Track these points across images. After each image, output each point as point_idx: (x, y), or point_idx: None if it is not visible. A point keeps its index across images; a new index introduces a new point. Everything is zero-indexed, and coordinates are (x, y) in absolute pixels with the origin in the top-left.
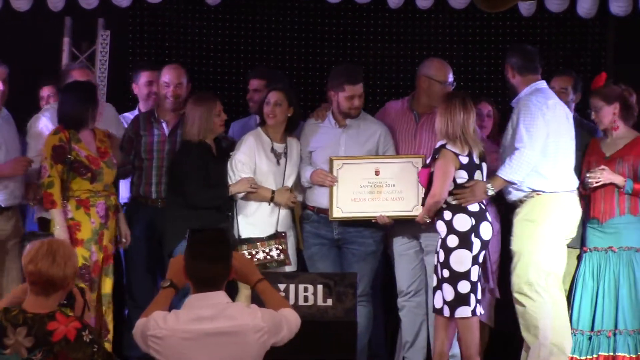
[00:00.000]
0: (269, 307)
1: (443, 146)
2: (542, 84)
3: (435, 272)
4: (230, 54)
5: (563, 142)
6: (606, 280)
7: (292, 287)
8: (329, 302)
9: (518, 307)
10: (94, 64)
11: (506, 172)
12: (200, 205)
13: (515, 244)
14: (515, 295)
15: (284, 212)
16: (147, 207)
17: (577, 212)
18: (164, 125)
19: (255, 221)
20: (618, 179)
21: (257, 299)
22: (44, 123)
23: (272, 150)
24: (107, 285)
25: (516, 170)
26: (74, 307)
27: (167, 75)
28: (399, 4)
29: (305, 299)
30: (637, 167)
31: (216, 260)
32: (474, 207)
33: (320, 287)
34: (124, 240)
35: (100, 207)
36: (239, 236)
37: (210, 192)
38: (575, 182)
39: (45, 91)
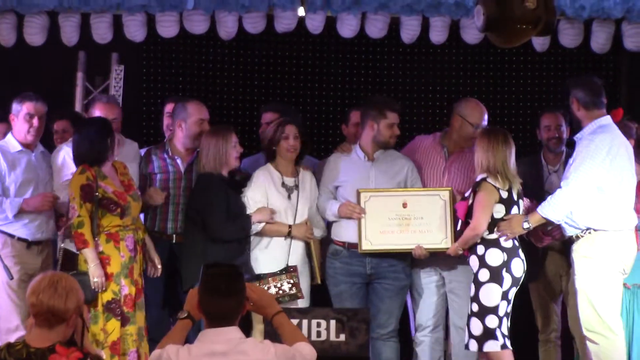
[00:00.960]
0: (285, 340)
1: (484, 179)
2: (607, 119)
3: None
4: (243, 88)
5: (625, 179)
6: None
7: (305, 322)
8: (342, 337)
9: (591, 346)
10: None
11: (544, 209)
12: (226, 238)
13: (578, 282)
14: (587, 334)
15: (296, 246)
16: (162, 242)
17: (633, 249)
18: (179, 161)
19: (266, 256)
20: None
21: (272, 334)
22: (66, 152)
23: (283, 184)
24: (141, 319)
25: (554, 209)
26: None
27: (204, 112)
28: (412, 39)
29: (318, 334)
30: None
31: (230, 296)
32: (507, 243)
33: (333, 322)
34: (158, 266)
35: (129, 241)
36: (251, 273)
37: (234, 224)
38: (634, 220)
39: (59, 125)
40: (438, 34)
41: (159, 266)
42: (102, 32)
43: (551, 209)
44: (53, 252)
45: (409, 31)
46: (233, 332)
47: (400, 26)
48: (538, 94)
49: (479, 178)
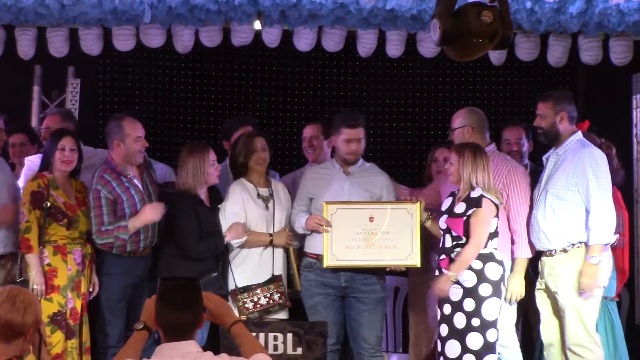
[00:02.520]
0: (243, 350)
1: (483, 196)
2: (580, 133)
3: (448, 321)
4: (200, 102)
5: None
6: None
7: (261, 335)
8: (299, 350)
9: (576, 359)
10: None
11: (600, 237)
12: (197, 258)
13: (567, 297)
14: (573, 347)
15: (277, 254)
16: (137, 258)
17: (611, 263)
18: (136, 181)
19: (248, 268)
20: None
21: (230, 347)
22: (27, 164)
23: (259, 195)
24: (86, 334)
25: (608, 230)
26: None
27: (140, 129)
28: (369, 53)
29: (275, 347)
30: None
31: (186, 309)
32: (500, 256)
33: (290, 335)
34: (96, 288)
35: (77, 255)
36: (236, 285)
37: (205, 243)
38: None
39: (15, 139)
40: (394, 48)
41: (97, 287)
42: (58, 45)
43: (605, 232)
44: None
45: (366, 45)
46: (190, 346)
47: (356, 40)
48: (495, 107)
49: (477, 194)
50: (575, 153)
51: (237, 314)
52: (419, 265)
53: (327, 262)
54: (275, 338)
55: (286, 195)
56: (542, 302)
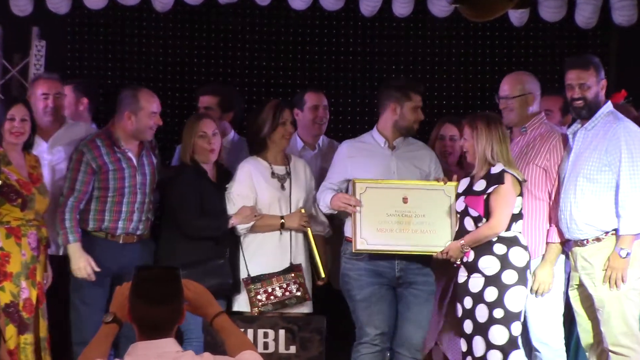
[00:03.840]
0: (229, 346)
1: (505, 171)
2: (611, 105)
3: (471, 315)
4: (181, 67)
5: None
6: None
7: (250, 331)
8: (293, 349)
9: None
10: (27, 77)
11: (632, 226)
12: (195, 235)
13: (602, 292)
14: (614, 348)
15: (297, 241)
16: (108, 244)
17: None
18: (131, 155)
19: (265, 255)
20: None
21: (213, 344)
22: None
23: (273, 174)
24: (43, 328)
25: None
26: None
27: (157, 104)
28: (373, 12)
29: (265, 345)
30: None
31: (163, 303)
32: (524, 239)
33: (282, 332)
34: (49, 278)
35: (32, 238)
36: (249, 274)
37: (205, 220)
38: None
39: None
40: (402, 6)
41: (50, 278)
42: (21, 3)
43: (637, 219)
44: None
45: (369, 2)
46: (168, 345)
47: None
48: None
49: (498, 169)
50: (609, 128)
51: (249, 306)
52: None
53: (357, 246)
54: (266, 335)
55: (308, 174)
56: (577, 300)
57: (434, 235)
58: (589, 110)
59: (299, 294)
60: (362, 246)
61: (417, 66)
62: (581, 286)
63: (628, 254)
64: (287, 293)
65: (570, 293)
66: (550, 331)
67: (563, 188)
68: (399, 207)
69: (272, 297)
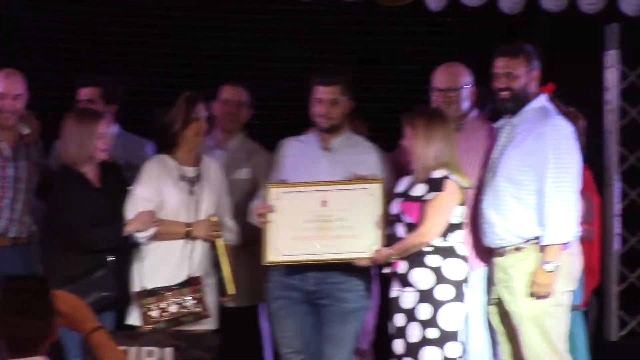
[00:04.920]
0: None
1: (447, 177)
2: (544, 98)
3: (403, 334)
4: (154, 54)
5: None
6: None
7: (133, 350)
8: None
9: None
10: None
11: (555, 236)
12: (91, 248)
13: (522, 306)
14: None
15: (199, 252)
16: None
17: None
18: (6, 145)
19: (164, 266)
20: None
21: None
22: None
23: (182, 177)
24: None
25: (569, 227)
26: None
27: (17, 86)
28: None
29: None
30: None
31: (33, 317)
32: (465, 251)
33: (168, 350)
34: None
35: None
36: (143, 287)
37: (100, 231)
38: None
39: None
40: None
41: None
42: None
43: (562, 229)
44: None
45: None
46: None
47: None
48: (432, 65)
49: (439, 174)
50: (536, 124)
51: (141, 322)
52: None
53: (268, 258)
54: (150, 353)
55: (219, 177)
56: (495, 316)
57: (356, 241)
58: (515, 103)
59: (196, 310)
60: (275, 258)
61: (313, 54)
62: (499, 302)
63: (555, 267)
64: (183, 309)
65: (489, 309)
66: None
67: (482, 188)
68: (317, 211)
69: (166, 314)
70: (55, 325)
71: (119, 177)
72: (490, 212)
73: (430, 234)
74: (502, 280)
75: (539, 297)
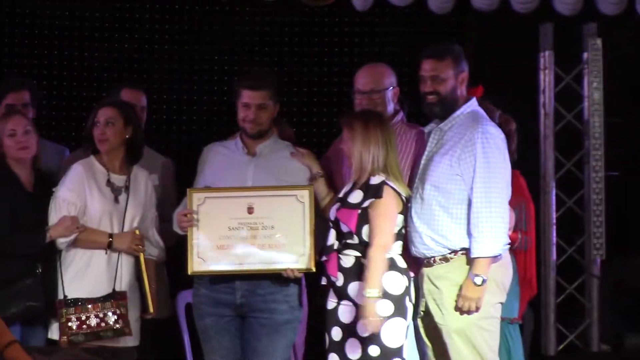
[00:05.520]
0: None
1: (385, 183)
2: (475, 103)
3: (339, 350)
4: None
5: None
6: None
7: None
8: None
9: None
10: None
11: (484, 249)
12: (7, 253)
13: (449, 319)
14: None
15: (126, 265)
16: None
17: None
18: None
19: (88, 276)
20: None
21: None
22: None
23: (109, 183)
24: None
25: (498, 239)
26: None
27: None
28: None
29: None
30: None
31: None
32: (403, 263)
33: None
34: None
35: None
36: (65, 296)
37: (20, 236)
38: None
39: None
40: None
41: None
42: None
43: (491, 241)
44: None
45: None
46: None
47: None
48: (358, 66)
49: (377, 180)
50: (465, 130)
51: (59, 333)
52: (313, 269)
53: (193, 268)
54: None
55: (149, 188)
56: (423, 330)
57: (284, 250)
58: (443, 108)
59: (117, 326)
60: (199, 267)
61: (241, 56)
62: (428, 314)
63: (484, 280)
64: (103, 324)
65: (417, 321)
66: None
67: (412, 196)
68: (243, 218)
69: (84, 327)
70: None
71: (52, 186)
72: (418, 221)
73: (387, 244)
74: (430, 292)
75: (466, 311)
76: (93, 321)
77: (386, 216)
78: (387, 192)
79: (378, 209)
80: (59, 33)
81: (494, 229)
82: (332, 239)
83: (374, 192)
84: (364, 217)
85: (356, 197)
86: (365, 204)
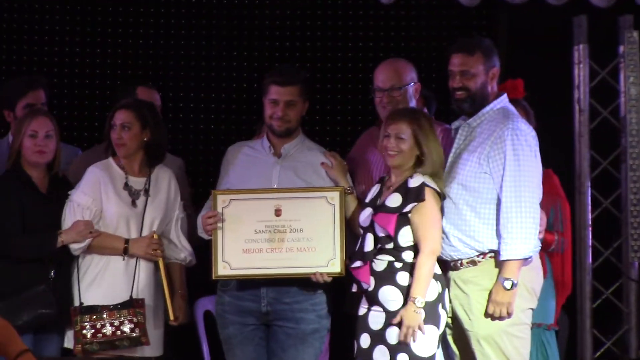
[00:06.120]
0: None
1: (425, 185)
2: (505, 98)
3: (367, 357)
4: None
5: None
6: None
7: None
8: None
9: None
10: None
11: (513, 251)
12: (15, 256)
13: (478, 325)
14: None
15: (144, 272)
16: None
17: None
18: None
19: (105, 282)
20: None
21: None
22: None
23: (127, 186)
24: None
25: (528, 241)
26: None
27: None
28: None
29: None
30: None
31: None
32: (438, 268)
33: None
34: None
35: None
36: (81, 303)
37: (29, 238)
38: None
39: None
40: None
41: None
42: None
43: (521, 243)
44: None
45: None
46: None
47: None
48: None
49: (417, 182)
50: (495, 127)
51: (74, 341)
52: (343, 273)
53: (218, 272)
54: None
55: (172, 189)
56: (450, 337)
57: (313, 253)
58: (472, 104)
59: (134, 335)
60: (224, 272)
61: (263, 51)
62: (455, 319)
63: (514, 284)
64: (119, 332)
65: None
66: None
67: None
68: (270, 221)
69: (99, 335)
70: None
71: (68, 189)
72: (444, 221)
73: (437, 250)
74: (457, 297)
75: (497, 317)
76: (108, 329)
77: (432, 220)
78: (428, 194)
79: (423, 214)
80: (70, 29)
81: (524, 230)
82: (369, 245)
83: (415, 195)
84: (403, 221)
85: (394, 200)
86: (407, 208)
